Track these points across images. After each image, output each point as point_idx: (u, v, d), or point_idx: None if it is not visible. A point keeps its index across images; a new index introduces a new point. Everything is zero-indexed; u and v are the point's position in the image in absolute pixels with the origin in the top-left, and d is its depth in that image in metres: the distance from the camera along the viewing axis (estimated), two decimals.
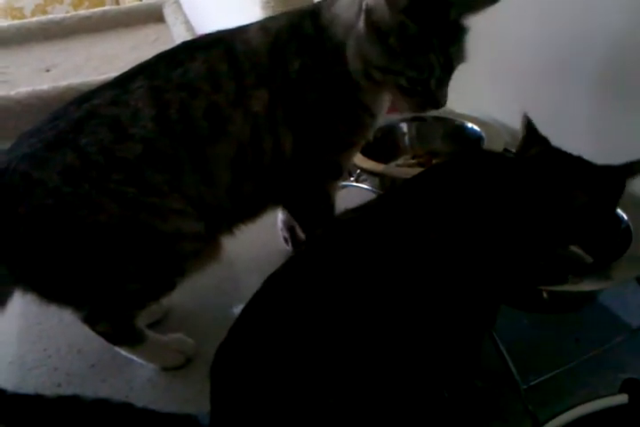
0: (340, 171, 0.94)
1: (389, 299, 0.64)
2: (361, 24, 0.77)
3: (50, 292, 0.81)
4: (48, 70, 1.18)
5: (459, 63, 0.80)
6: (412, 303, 0.64)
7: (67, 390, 0.89)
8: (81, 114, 0.79)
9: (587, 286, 0.75)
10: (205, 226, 0.85)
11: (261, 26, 0.87)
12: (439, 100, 0.81)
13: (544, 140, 0.78)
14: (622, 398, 0.66)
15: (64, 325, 1.03)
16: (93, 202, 0.76)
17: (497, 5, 0.98)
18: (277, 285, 0.70)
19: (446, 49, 0.77)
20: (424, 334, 0.65)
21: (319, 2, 0.88)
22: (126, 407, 0.80)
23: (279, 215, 1.13)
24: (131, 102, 0.79)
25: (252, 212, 0.94)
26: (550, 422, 0.65)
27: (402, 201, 0.72)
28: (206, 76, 0.82)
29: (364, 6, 0.76)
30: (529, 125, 0.79)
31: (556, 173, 0.71)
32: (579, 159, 0.75)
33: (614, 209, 0.76)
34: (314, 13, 0.84)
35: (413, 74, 0.77)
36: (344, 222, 0.72)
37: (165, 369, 0.93)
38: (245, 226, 0.95)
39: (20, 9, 3.44)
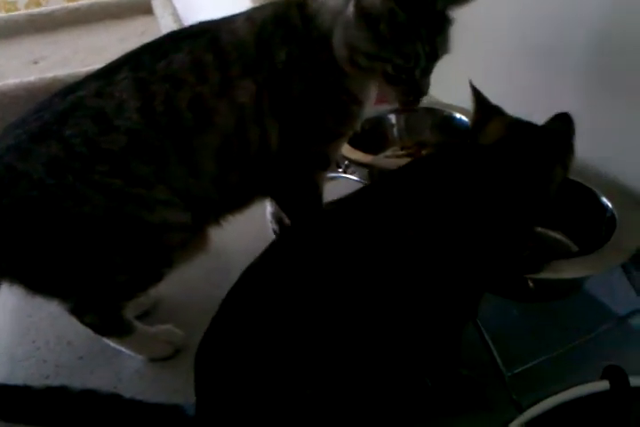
0: (327, 161, 0.94)
1: (368, 288, 0.64)
2: (350, 10, 0.77)
3: (35, 284, 0.81)
4: (36, 62, 1.18)
5: (443, 53, 0.81)
6: (391, 291, 0.65)
7: (55, 382, 0.88)
8: (65, 105, 0.79)
9: (570, 273, 0.75)
10: (192, 217, 0.85)
11: (247, 16, 0.86)
12: (422, 89, 0.82)
13: (496, 109, 0.79)
14: (604, 385, 0.66)
15: (53, 317, 1.03)
16: (78, 193, 0.76)
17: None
18: (255, 275, 0.70)
19: (433, 39, 0.77)
20: (404, 322, 0.66)
21: None
22: (114, 398, 0.80)
23: (267, 207, 1.13)
24: (115, 94, 0.79)
25: (238, 203, 0.94)
26: (532, 409, 0.65)
27: (383, 192, 0.72)
28: (191, 66, 0.82)
29: None
30: (478, 96, 0.80)
31: (531, 154, 0.72)
32: (540, 130, 0.76)
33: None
34: (300, 3, 0.84)
35: (400, 62, 0.78)
36: (322, 213, 0.73)
37: (154, 360, 0.93)
38: (233, 217, 0.95)
39: (14, 3, 3.42)
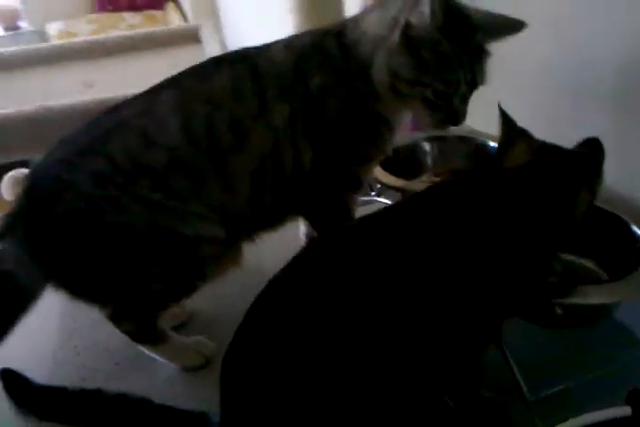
0: (358, 183, 0.98)
1: (387, 305, 0.66)
2: (395, 38, 0.82)
3: (77, 289, 0.87)
4: (90, 86, 1.26)
5: (481, 83, 0.85)
6: (412, 311, 0.66)
7: (91, 385, 0.92)
8: (112, 123, 0.85)
9: (597, 298, 0.75)
10: (226, 232, 0.89)
11: (285, 44, 0.91)
12: (459, 117, 0.85)
13: (523, 132, 0.80)
14: (626, 411, 0.67)
15: (94, 324, 1.07)
16: (120, 205, 0.81)
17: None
18: (277, 287, 0.73)
19: (472, 67, 0.82)
20: (426, 341, 0.67)
21: (343, 22, 0.92)
22: (144, 402, 0.84)
23: (301, 227, 1.16)
24: (158, 114, 0.85)
25: (271, 221, 0.97)
26: None
27: (406, 212, 0.74)
28: (230, 90, 0.87)
29: (402, 21, 0.81)
30: (505, 118, 0.82)
31: (556, 178, 0.74)
32: (566, 154, 0.77)
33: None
34: (338, 33, 0.89)
35: (441, 87, 0.81)
36: (345, 229, 0.75)
37: (186, 369, 0.97)
38: (266, 234, 0.98)
39: (75, 34, 3.61)
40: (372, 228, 0.74)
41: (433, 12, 0.77)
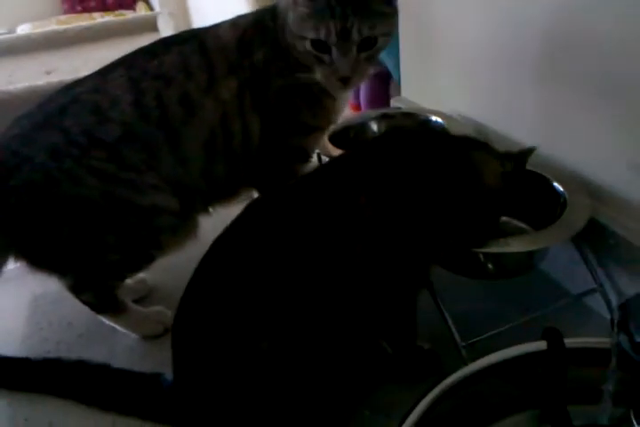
0: (306, 155, 1.03)
1: (320, 252, 0.71)
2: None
3: (37, 259, 0.91)
4: (49, 73, 1.30)
5: (359, 34, 0.85)
6: (341, 257, 0.71)
7: (54, 356, 0.97)
8: (66, 100, 0.89)
9: (517, 247, 0.81)
10: (181, 204, 0.94)
11: (231, 23, 0.97)
12: (339, 69, 0.86)
13: None
14: (542, 345, 0.72)
15: (58, 300, 1.12)
16: (75, 176, 0.85)
17: (458, 8, 1.08)
18: (218, 245, 0.77)
19: (345, 17, 0.83)
20: (355, 286, 0.72)
21: None
22: (102, 367, 0.89)
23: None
24: (110, 90, 0.89)
25: (225, 193, 1.02)
26: (473, 364, 0.71)
27: (339, 169, 0.80)
28: (180, 66, 0.92)
29: None
30: None
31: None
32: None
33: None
34: (273, 6, 0.94)
35: (311, 34, 0.85)
36: (282, 189, 0.80)
37: (146, 338, 1.01)
38: (221, 206, 1.03)
39: None
40: (302, 185, 0.79)
41: None
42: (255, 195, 1.19)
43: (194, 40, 0.95)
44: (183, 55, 0.93)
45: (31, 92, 1.08)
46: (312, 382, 0.73)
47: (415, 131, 1.00)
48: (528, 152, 0.82)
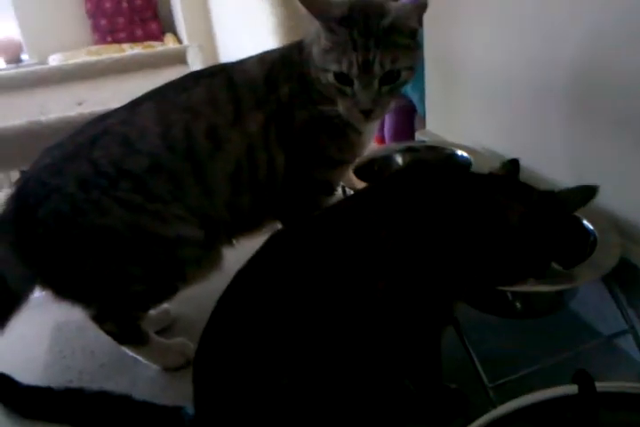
0: (330, 188, 1.03)
1: (342, 287, 0.70)
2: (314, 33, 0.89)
3: (62, 289, 0.91)
4: (80, 104, 1.34)
5: (382, 67, 0.85)
6: (363, 293, 0.70)
7: (76, 386, 0.97)
8: (96, 131, 0.91)
9: (546, 287, 0.80)
10: (206, 235, 0.94)
11: (259, 58, 0.99)
12: (361, 102, 0.87)
13: None
14: (573, 389, 0.70)
15: (81, 329, 1.12)
16: (103, 207, 0.87)
17: (484, 43, 1.08)
18: (239, 279, 0.77)
19: (367, 50, 0.84)
20: (378, 323, 0.71)
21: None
22: (123, 398, 0.88)
23: None
24: (139, 122, 0.91)
25: (250, 225, 1.03)
26: (500, 408, 0.70)
27: (362, 202, 0.79)
28: (208, 100, 0.93)
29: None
30: None
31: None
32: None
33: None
34: (300, 42, 0.96)
35: (334, 67, 0.86)
36: (304, 222, 0.80)
37: (167, 369, 1.00)
38: (244, 238, 1.03)
39: None
40: (324, 219, 0.79)
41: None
42: (279, 226, 1.19)
43: (222, 74, 0.97)
44: (211, 89, 0.95)
45: (63, 123, 1.11)
46: (333, 421, 0.71)
47: (436, 165, 0.99)
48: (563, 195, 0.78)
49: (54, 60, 3.77)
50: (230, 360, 0.71)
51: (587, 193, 0.75)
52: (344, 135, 0.97)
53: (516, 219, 0.74)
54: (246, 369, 0.70)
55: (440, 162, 1.24)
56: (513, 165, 0.81)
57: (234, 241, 1.03)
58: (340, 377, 0.70)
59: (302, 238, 0.76)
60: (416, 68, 0.91)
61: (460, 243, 0.73)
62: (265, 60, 0.97)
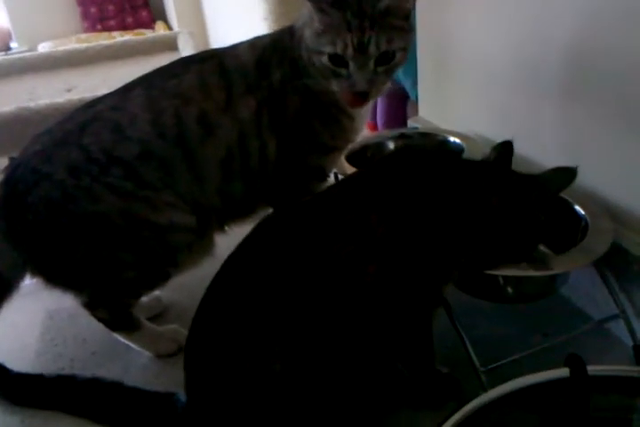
0: (323, 174, 1.03)
1: (333, 272, 0.70)
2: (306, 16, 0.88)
3: (52, 276, 0.91)
4: (69, 90, 1.33)
5: (377, 48, 0.84)
6: (354, 277, 0.70)
7: (68, 373, 0.97)
8: (86, 117, 0.90)
9: (538, 271, 0.80)
10: (197, 221, 0.94)
11: (250, 44, 0.98)
12: (357, 84, 0.86)
13: None
14: (565, 372, 0.71)
15: (73, 318, 1.12)
16: (94, 193, 0.86)
17: (477, 28, 1.08)
18: (230, 264, 0.77)
19: (362, 31, 0.83)
20: (369, 307, 0.71)
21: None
22: (115, 385, 0.88)
23: None
24: (129, 108, 0.90)
25: (241, 211, 1.02)
26: (492, 391, 0.70)
27: (352, 187, 0.79)
28: (199, 86, 0.92)
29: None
30: None
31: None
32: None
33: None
34: (291, 27, 0.95)
35: (328, 49, 0.85)
36: (296, 206, 0.80)
37: (159, 356, 1.00)
38: (236, 224, 1.03)
39: None
40: (314, 203, 0.78)
41: None
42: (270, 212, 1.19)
43: (213, 60, 0.96)
44: (202, 74, 0.94)
45: (52, 109, 1.10)
46: (325, 405, 0.71)
47: (425, 150, 0.99)
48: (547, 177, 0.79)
49: (44, 48, 3.74)
50: (221, 347, 0.71)
51: (567, 175, 0.75)
52: (337, 121, 0.96)
53: (496, 201, 0.74)
54: (237, 355, 0.70)
55: (432, 148, 1.24)
56: (505, 147, 0.81)
57: (226, 228, 1.02)
58: (332, 362, 0.70)
59: (292, 223, 0.75)
60: (409, 50, 0.91)
61: (446, 226, 0.73)
62: (256, 46, 0.96)
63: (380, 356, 0.76)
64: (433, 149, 1.19)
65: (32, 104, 1.13)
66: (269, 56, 0.95)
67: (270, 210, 1.14)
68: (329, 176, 1.05)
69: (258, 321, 0.70)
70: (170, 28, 3.99)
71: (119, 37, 3.96)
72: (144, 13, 4.22)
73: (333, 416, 0.72)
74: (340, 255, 0.70)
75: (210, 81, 0.93)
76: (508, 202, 0.74)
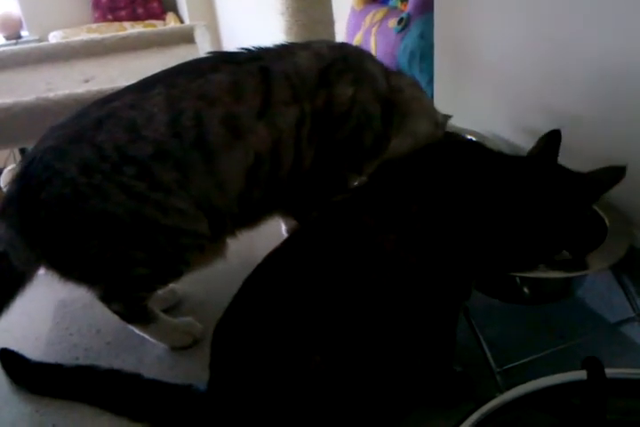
0: (346, 185, 1.03)
1: (377, 267, 0.71)
2: None
3: (67, 270, 0.91)
4: (87, 81, 1.32)
5: None
6: (395, 267, 0.71)
7: (84, 363, 0.97)
8: (101, 113, 0.88)
9: (556, 273, 0.80)
10: (210, 225, 0.92)
11: (313, 52, 0.97)
12: None
13: None
14: (582, 375, 0.71)
15: (87, 308, 1.12)
16: (104, 192, 0.84)
17: (495, 28, 1.07)
18: (273, 260, 0.78)
19: None
20: (405, 298, 0.72)
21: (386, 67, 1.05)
22: (134, 377, 0.89)
23: (283, 226, 1.22)
24: (147, 107, 0.87)
25: (256, 217, 1.01)
26: (510, 391, 0.70)
27: (389, 181, 0.79)
28: (229, 87, 0.90)
29: None
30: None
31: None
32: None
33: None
34: (386, 68, 1.02)
35: None
36: (337, 204, 0.80)
37: (174, 348, 1.01)
38: (247, 230, 1.01)
39: None
40: (362, 198, 0.79)
41: None
42: (282, 222, 1.20)
43: (255, 62, 0.93)
44: (236, 76, 0.91)
45: (71, 100, 1.09)
46: (356, 397, 0.72)
47: (468, 145, 0.99)
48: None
49: (54, 37, 3.73)
50: (257, 337, 0.72)
51: (615, 174, 0.76)
52: (384, 147, 1.01)
53: (549, 200, 0.76)
54: (275, 346, 0.70)
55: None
56: (552, 137, 0.81)
57: (237, 233, 1.00)
58: (367, 357, 0.71)
59: (336, 220, 0.76)
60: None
61: (486, 219, 0.74)
62: (322, 56, 0.96)
63: (408, 350, 0.77)
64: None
65: (51, 94, 1.13)
66: (341, 70, 0.95)
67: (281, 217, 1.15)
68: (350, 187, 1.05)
69: (297, 315, 0.70)
70: (180, 19, 3.98)
71: (130, 28, 3.95)
72: (155, 4, 4.20)
73: (361, 409, 0.72)
74: (384, 247, 0.71)
75: (245, 84, 0.90)
76: (553, 199, 0.76)
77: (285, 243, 0.79)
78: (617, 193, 0.92)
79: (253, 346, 0.72)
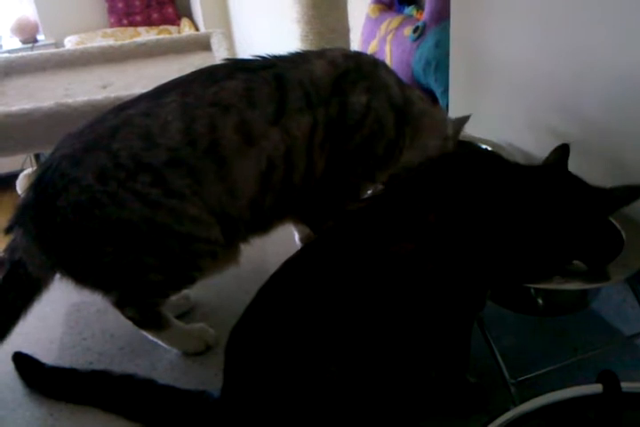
0: (359, 193, 1.04)
1: (394, 275, 0.71)
2: None
3: (81, 277, 0.92)
4: (105, 87, 1.34)
5: None
6: (412, 276, 0.71)
7: (97, 368, 0.98)
8: (117, 122, 0.89)
9: (572, 285, 0.80)
10: (224, 232, 0.92)
11: (328, 61, 0.97)
12: None
13: None
14: (597, 388, 0.71)
15: (100, 313, 1.13)
16: (120, 200, 0.85)
17: (511, 37, 1.07)
18: (289, 269, 0.78)
19: None
20: (421, 307, 0.72)
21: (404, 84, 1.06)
22: (148, 382, 0.89)
23: (296, 235, 1.22)
24: (161, 115, 0.88)
25: (269, 223, 1.01)
26: (523, 405, 0.70)
27: (405, 190, 0.79)
28: (242, 94, 0.90)
29: None
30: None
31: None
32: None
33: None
34: (403, 84, 1.03)
35: None
36: (352, 213, 0.80)
37: (187, 354, 1.01)
38: (259, 236, 1.02)
39: None
40: (378, 206, 0.79)
41: None
42: (295, 231, 1.20)
43: (270, 70, 0.94)
44: (251, 84, 0.92)
45: (89, 106, 1.11)
46: (370, 408, 0.72)
47: (484, 155, 1.00)
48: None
49: (70, 42, 3.77)
50: (272, 345, 0.72)
51: (636, 191, 0.77)
52: (397, 158, 1.02)
53: (565, 211, 0.76)
54: (290, 355, 0.71)
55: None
56: (563, 150, 0.82)
57: (250, 240, 1.01)
58: (382, 367, 0.71)
59: (352, 230, 0.76)
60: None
61: (502, 229, 0.74)
62: (337, 65, 0.97)
63: (422, 362, 0.77)
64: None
65: (70, 100, 1.14)
66: (355, 79, 0.96)
67: (294, 225, 1.15)
68: (363, 195, 1.06)
69: (314, 323, 0.71)
70: (195, 25, 4.01)
71: (145, 33, 3.99)
72: (170, 10, 4.24)
73: (374, 419, 0.72)
74: (401, 257, 0.71)
75: (260, 91, 0.91)
76: (570, 210, 0.77)
77: (302, 252, 0.79)
78: (636, 207, 0.92)
79: (268, 354, 0.72)
